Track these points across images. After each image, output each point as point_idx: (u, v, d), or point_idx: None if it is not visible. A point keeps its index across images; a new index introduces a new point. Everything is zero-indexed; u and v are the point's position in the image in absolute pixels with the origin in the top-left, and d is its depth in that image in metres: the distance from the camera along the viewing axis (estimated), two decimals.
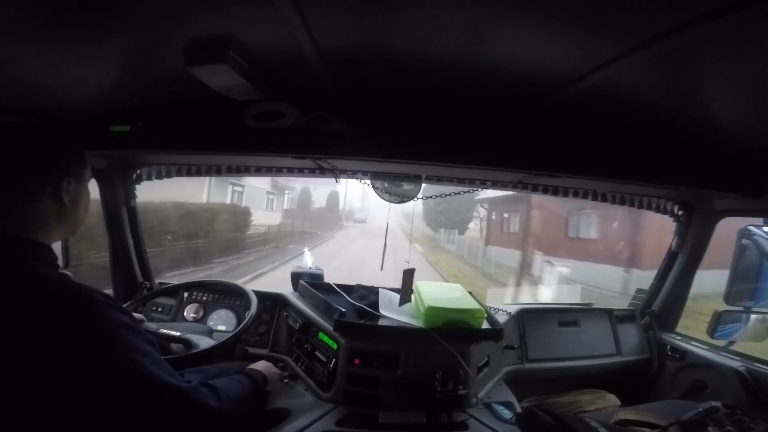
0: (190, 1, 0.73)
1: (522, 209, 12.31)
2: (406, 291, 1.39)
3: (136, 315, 1.39)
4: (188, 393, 0.80)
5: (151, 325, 1.36)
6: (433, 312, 1.24)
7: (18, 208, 0.75)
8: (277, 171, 1.73)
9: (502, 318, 1.54)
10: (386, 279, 1.65)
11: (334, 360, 1.27)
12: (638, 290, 1.95)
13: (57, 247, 0.90)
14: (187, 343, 1.27)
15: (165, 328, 1.33)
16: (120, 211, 1.67)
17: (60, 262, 0.82)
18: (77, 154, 0.84)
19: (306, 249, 1.99)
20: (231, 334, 1.33)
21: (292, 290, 1.73)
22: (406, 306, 1.42)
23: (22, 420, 0.67)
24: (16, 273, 0.70)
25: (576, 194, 1.67)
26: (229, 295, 1.66)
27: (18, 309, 0.68)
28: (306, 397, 1.27)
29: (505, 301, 2.72)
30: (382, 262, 1.61)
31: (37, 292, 0.70)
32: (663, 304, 1.78)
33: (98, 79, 1.03)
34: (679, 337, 1.70)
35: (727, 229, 1.61)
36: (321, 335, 1.37)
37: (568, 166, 1.23)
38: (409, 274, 1.40)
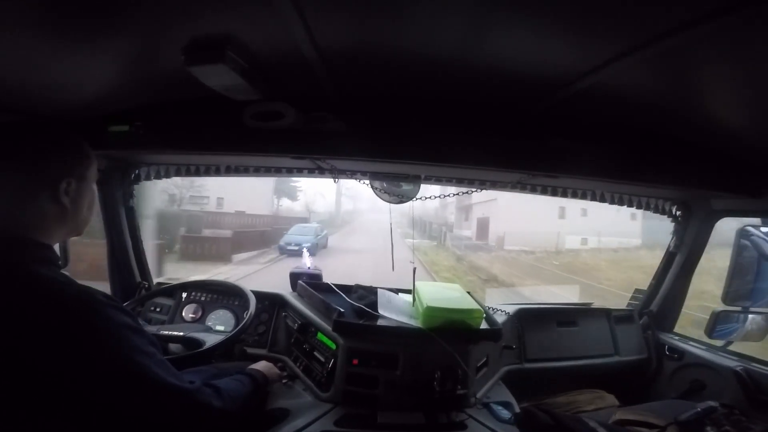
0: (190, 1, 0.73)
1: None
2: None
3: None
4: (192, 394, 0.80)
5: (151, 328, 1.36)
6: (431, 312, 1.24)
7: (17, 209, 0.74)
8: (276, 171, 1.73)
9: (500, 318, 1.54)
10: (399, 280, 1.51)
11: (332, 360, 1.26)
12: (636, 290, 1.96)
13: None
14: (194, 342, 1.27)
15: (164, 330, 1.33)
16: (118, 210, 1.66)
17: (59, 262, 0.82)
18: (78, 154, 0.82)
19: (305, 248, 1.99)
20: (230, 334, 1.33)
21: (290, 290, 1.73)
22: (405, 306, 1.42)
23: (26, 422, 0.67)
24: (17, 274, 0.70)
25: (575, 194, 1.67)
26: (227, 295, 1.66)
27: (20, 310, 0.67)
28: (305, 397, 1.27)
29: None
30: (392, 262, 1.61)
31: (39, 294, 0.69)
32: (661, 304, 1.78)
33: (97, 78, 1.03)
34: (677, 337, 1.70)
35: None
36: (320, 335, 1.37)
37: (566, 167, 1.24)
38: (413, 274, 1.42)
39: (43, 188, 0.76)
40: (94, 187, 0.89)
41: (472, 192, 1.65)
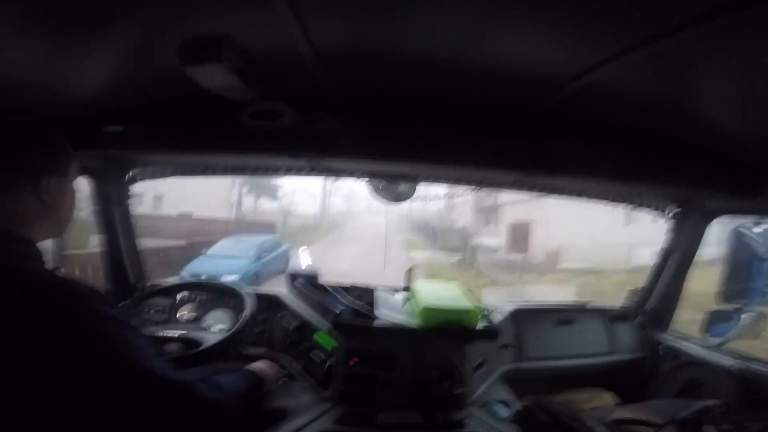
0: (185, 1, 0.73)
1: None
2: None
3: None
4: (184, 385, 0.79)
5: (148, 329, 1.35)
6: (428, 312, 1.24)
7: None
8: (273, 171, 1.72)
9: (497, 317, 1.55)
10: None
11: (330, 360, 1.26)
12: (632, 290, 1.97)
13: (46, 247, 0.89)
14: (191, 342, 1.26)
15: (161, 331, 1.32)
16: (113, 211, 1.65)
17: (51, 264, 0.81)
18: (59, 151, 0.83)
19: (303, 248, 1.98)
20: (228, 334, 1.33)
21: (287, 290, 1.72)
22: (403, 305, 1.42)
23: (16, 417, 0.66)
24: (1, 269, 0.70)
25: (571, 194, 1.68)
26: (224, 295, 1.65)
27: (4, 305, 0.67)
28: (303, 397, 1.27)
29: None
30: (385, 261, 1.61)
31: (24, 288, 0.69)
32: (657, 304, 1.79)
33: (91, 78, 1.02)
34: (672, 336, 1.71)
35: None
36: (317, 335, 1.36)
37: (563, 166, 1.24)
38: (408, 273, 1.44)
39: (25, 184, 0.76)
40: (75, 185, 0.89)
41: (471, 192, 1.65)
